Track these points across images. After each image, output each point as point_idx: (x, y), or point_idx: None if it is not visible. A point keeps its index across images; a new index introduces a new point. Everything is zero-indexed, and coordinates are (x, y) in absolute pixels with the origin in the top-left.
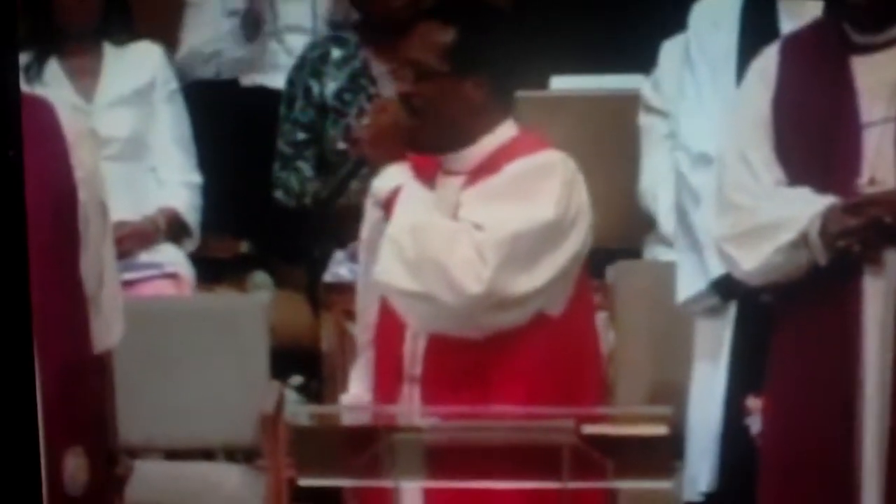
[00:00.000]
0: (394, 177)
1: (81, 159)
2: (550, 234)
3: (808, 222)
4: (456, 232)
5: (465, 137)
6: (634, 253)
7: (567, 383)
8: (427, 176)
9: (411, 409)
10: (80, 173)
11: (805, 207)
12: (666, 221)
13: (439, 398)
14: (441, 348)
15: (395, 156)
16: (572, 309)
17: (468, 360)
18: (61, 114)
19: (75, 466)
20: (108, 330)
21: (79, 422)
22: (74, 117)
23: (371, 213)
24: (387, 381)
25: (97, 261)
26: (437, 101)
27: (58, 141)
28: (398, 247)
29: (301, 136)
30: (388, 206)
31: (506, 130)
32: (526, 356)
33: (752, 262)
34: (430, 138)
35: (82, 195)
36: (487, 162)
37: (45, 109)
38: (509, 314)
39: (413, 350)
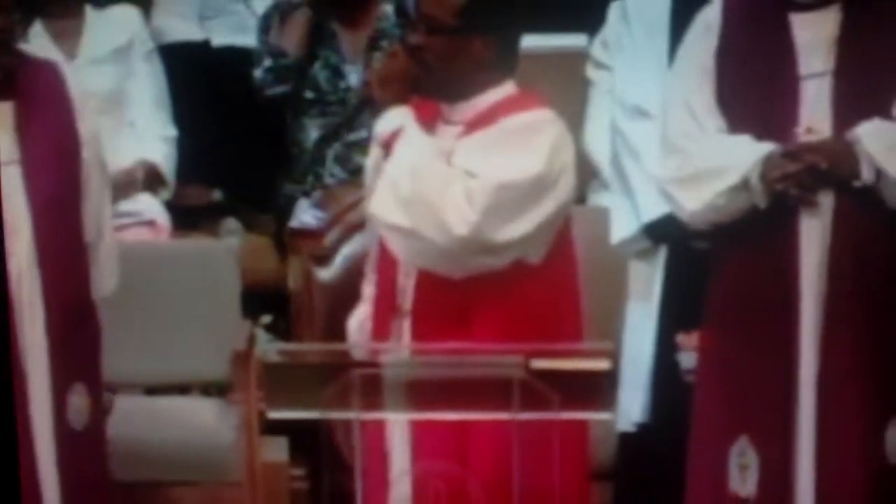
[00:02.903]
0: (396, 118)
1: (86, 118)
2: (536, 186)
3: (750, 167)
4: (449, 176)
5: (468, 90)
6: (579, 198)
7: (544, 328)
8: (427, 124)
9: (372, 346)
10: (84, 132)
11: (746, 154)
12: (607, 169)
13: (426, 333)
14: (429, 286)
15: (400, 99)
16: (552, 259)
17: (453, 298)
18: (67, 75)
19: (79, 404)
20: (105, 279)
21: (80, 362)
22: (76, 79)
23: (374, 154)
24: (381, 314)
25: (97, 213)
26: (445, 55)
27: (66, 101)
28: (394, 183)
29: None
30: (388, 145)
31: (506, 88)
32: (505, 299)
33: (695, 203)
34: (435, 88)
35: (86, 152)
36: (484, 115)
37: (55, 71)
38: (489, 258)
39: (404, 286)
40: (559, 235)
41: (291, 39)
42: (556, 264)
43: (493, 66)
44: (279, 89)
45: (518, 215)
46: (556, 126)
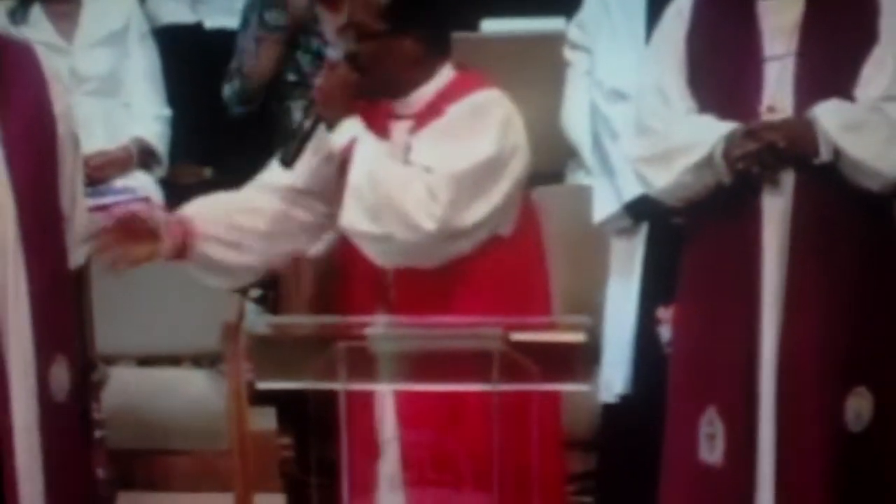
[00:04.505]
0: (348, 130)
1: (58, 96)
2: (491, 167)
3: (713, 145)
4: (408, 176)
5: (409, 85)
6: (557, 177)
7: (520, 296)
8: (379, 122)
9: (359, 321)
10: (58, 108)
11: (711, 132)
12: (585, 148)
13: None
14: (408, 275)
15: (346, 112)
16: (520, 230)
17: (432, 282)
18: (39, 54)
19: (60, 375)
20: (80, 249)
21: (61, 335)
22: (48, 57)
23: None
24: (367, 308)
25: (71, 186)
26: (378, 57)
27: (39, 80)
28: (357, 193)
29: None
30: (345, 156)
31: (445, 73)
32: (482, 274)
33: (663, 180)
34: (376, 88)
35: (60, 128)
36: (432, 104)
37: (27, 51)
38: (461, 242)
39: (386, 280)
40: (524, 206)
41: (261, 65)
42: (524, 235)
43: (426, 58)
44: (241, 110)
45: (479, 197)
46: (502, 104)
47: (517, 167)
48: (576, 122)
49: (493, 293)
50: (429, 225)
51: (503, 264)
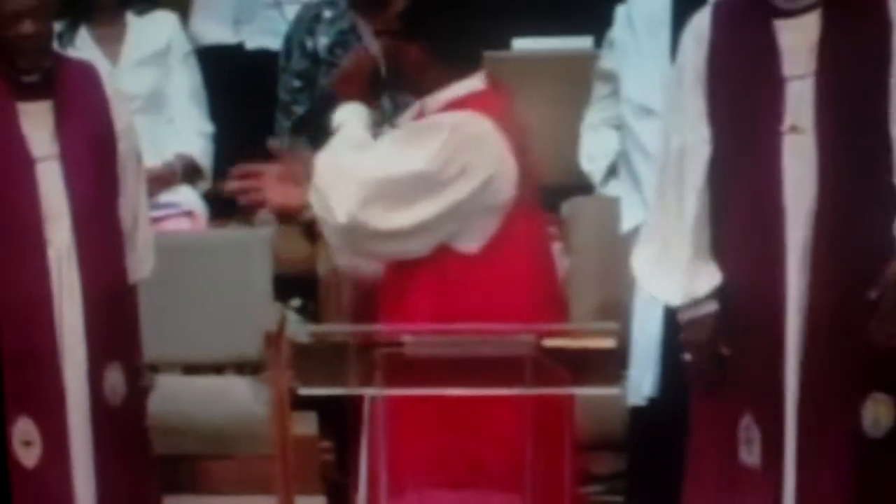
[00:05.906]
0: (344, 114)
1: (120, 114)
2: (417, 183)
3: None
4: (346, 169)
5: (420, 89)
6: (586, 189)
7: (482, 313)
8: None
9: (397, 328)
10: (119, 126)
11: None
12: (586, 166)
13: (382, 318)
14: (389, 274)
15: (359, 96)
16: (494, 248)
17: (392, 286)
18: (102, 74)
19: (115, 380)
20: (141, 264)
21: (116, 342)
22: (110, 78)
23: None
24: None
25: (133, 203)
26: (390, 55)
27: (101, 98)
28: (316, 175)
29: (297, 83)
30: None
31: (465, 86)
32: (435, 286)
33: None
34: (391, 83)
35: (121, 145)
36: (439, 112)
37: (90, 71)
38: (378, 244)
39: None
40: (506, 225)
41: None
42: (499, 253)
43: (433, 68)
44: None
45: (399, 207)
46: (466, 128)
47: (457, 192)
48: (591, 145)
49: (445, 307)
50: (341, 219)
51: (463, 280)
